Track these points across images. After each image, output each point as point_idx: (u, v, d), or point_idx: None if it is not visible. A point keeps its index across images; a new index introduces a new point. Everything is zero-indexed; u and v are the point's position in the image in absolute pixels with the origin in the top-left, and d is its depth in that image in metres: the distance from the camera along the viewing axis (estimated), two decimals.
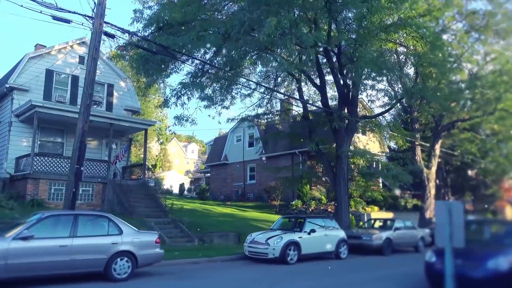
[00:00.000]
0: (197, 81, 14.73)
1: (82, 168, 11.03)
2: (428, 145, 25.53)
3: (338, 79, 18.73)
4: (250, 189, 37.60)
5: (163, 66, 14.61)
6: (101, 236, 8.91)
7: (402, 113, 29.92)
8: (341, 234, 15.15)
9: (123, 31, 12.08)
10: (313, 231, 13.84)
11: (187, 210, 27.31)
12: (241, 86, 22.48)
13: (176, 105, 15.88)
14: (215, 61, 16.34)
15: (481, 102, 22.89)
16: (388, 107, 19.82)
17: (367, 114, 23.31)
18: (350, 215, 26.45)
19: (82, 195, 19.53)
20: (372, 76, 17.04)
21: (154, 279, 9.97)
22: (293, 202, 29.88)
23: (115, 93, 23.85)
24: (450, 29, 22.91)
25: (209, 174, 46.37)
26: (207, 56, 18.30)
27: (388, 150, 34.23)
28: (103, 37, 11.88)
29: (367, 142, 28.07)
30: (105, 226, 9.10)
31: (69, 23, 11.27)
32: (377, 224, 19.30)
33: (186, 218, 20.38)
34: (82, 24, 11.67)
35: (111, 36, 11.97)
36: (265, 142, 34.32)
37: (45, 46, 22.69)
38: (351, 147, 23.89)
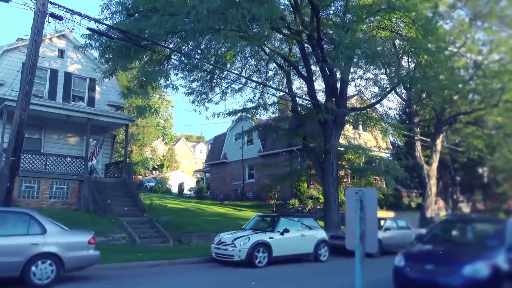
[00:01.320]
0: (161, 68, 13.59)
1: (15, 160, 9.96)
2: (429, 140, 23.97)
3: (324, 68, 17.44)
4: (249, 188, 36.48)
5: (127, 53, 13.55)
6: (18, 236, 7.84)
7: (407, 109, 28.44)
8: (321, 234, 13.87)
9: (72, 12, 11.04)
10: (286, 231, 12.59)
11: (176, 209, 26.35)
12: (225, 78, 21.53)
13: (138, 94, 14.81)
14: (186, 49, 15.19)
15: (483, 93, 21.31)
16: (379, 98, 18.41)
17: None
18: None
19: (56, 193, 18.67)
20: (359, 63, 15.71)
21: (82, 285, 8.87)
22: (290, 201, 28.72)
23: (97, 88, 22.93)
24: (449, 17, 21.45)
25: (209, 174, 45.41)
26: (187, 46, 17.32)
27: (391, 147, 32.78)
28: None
29: (369, 139, 26.69)
30: (25, 224, 8.02)
31: (8, 2, 10.29)
32: None
33: (166, 218, 19.40)
34: (24, 4, 10.66)
35: (59, 18, 10.95)
36: (263, 138, 33.40)
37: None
38: (344, 142, 22.59)
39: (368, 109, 20.03)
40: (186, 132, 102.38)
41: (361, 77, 17.38)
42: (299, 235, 13.07)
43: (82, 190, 18.91)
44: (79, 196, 19.01)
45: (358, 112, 19.67)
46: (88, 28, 11.53)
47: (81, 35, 16.26)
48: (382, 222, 17.19)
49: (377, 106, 21.90)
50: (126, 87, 15.79)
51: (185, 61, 13.16)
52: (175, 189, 47.76)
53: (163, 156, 75.46)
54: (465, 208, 39.70)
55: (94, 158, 18.94)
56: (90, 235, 8.94)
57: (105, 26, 13.13)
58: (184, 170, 78.58)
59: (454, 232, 8.93)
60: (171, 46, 15.04)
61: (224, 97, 22.46)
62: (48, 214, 16.04)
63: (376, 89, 17.92)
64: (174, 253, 13.83)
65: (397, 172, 18.01)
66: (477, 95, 22.22)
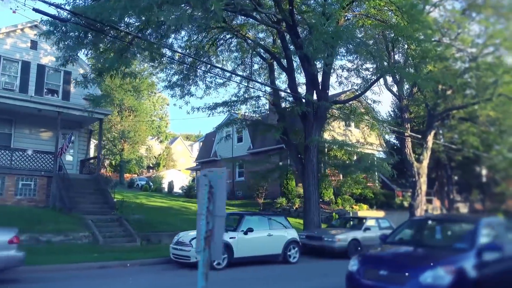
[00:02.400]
0: (122, 55, 12.59)
1: None
2: (419, 136, 22.85)
3: (303, 58, 16.41)
4: (239, 186, 35.54)
5: (85, 39, 12.60)
6: None
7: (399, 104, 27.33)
8: (291, 234, 12.87)
9: None
10: (250, 230, 11.60)
11: (156, 207, 25.54)
12: (208, 72, 20.61)
13: (96, 83, 13.82)
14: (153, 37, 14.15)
15: (476, 87, 20.19)
16: (363, 90, 17.33)
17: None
18: (335, 214, 24.14)
19: (22, 190, 17.77)
20: (338, 51, 14.68)
21: None
22: (277, 200, 27.77)
23: (73, 81, 21.98)
24: (441, 5, 20.37)
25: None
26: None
27: (385, 144, 31.69)
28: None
29: (361, 136, 25.60)
30: None
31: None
32: (349, 223, 16.88)
33: (138, 216, 18.46)
34: None
35: None
36: (252, 135, 32.36)
37: None
38: (328, 138, 21.59)
39: (354, 103, 18.94)
40: (185, 132, 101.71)
41: (342, 68, 16.34)
42: (265, 235, 12.09)
43: (51, 187, 18.01)
44: (48, 193, 18.10)
45: (341, 105, 18.58)
46: (34, 9, 10.57)
47: (40, 21, 15.28)
48: (360, 222, 16.21)
49: (369, 101, 20.94)
50: (82, 75, 14.80)
51: (143, 46, 12.19)
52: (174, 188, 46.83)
53: (159, 154, 74.65)
54: (463, 208, 38.60)
55: (63, 153, 18.00)
56: (12, 233, 7.99)
57: (61, 10, 12.15)
58: (181, 169, 77.77)
59: (421, 233, 7.91)
60: (142, 35, 14.03)
61: (208, 92, 21.62)
62: (7, 212, 15.25)
63: (359, 80, 16.90)
64: (132, 254, 12.91)
65: (382, 169, 16.94)
66: (471, 89, 21.07)
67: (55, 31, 12.38)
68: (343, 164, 19.09)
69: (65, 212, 16.29)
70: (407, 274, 6.02)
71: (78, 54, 13.95)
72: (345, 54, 16.47)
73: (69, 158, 20.76)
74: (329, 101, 17.27)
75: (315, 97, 17.54)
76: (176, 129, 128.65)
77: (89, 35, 12.44)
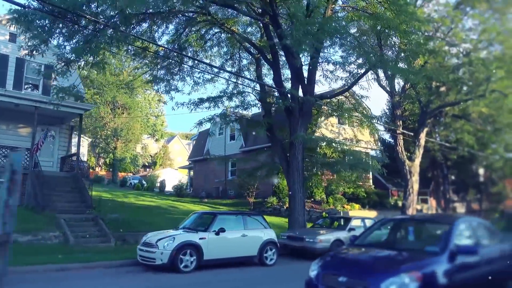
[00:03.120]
0: (91, 46, 11.91)
1: None
2: (412, 134, 22.15)
3: (288, 51, 15.75)
4: (231, 185, 34.88)
5: (52, 28, 11.93)
6: None
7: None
8: (269, 234, 12.19)
9: None
10: (222, 230, 10.93)
11: (142, 206, 24.97)
12: (195, 67, 20.01)
13: (62, 75, 13.14)
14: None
15: (468, 83, 19.52)
16: (349, 84, 16.64)
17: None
18: (325, 213, 23.46)
19: None
20: (320, 40, 13.97)
21: None
22: (268, 199, 27.19)
23: (54, 76, 21.33)
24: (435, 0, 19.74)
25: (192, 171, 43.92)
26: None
27: (379, 142, 31.04)
28: None
29: (355, 134, 24.95)
30: None
31: None
32: (335, 223, 16.19)
33: (117, 215, 17.82)
34: None
35: None
36: (245, 132, 31.69)
37: None
38: (316, 134, 20.94)
39: (341, 99, 18.23)
40: (184, 131, 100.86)
41: (328, 61, 15.68)
42: (239, 236, 11.41)
43: (26, 185, 17.35)
44: (23, 191, 17.43)
45: (328, 101, 17.88)
46: None
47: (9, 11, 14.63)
48: (348, 221, 15.53)
49: (357, 96, 20.25)
50: (46, 65, 14.12)
51: (116, 37, 11.51)
52: (168, 187, 46.26)
53: (155, 153, 74.03)
54: (460, 208, 37.94)
55: (39, 149, 17.36)
56: None
57: None
58: (178, 168, 77.12)
59: (394, 234, 7.24)
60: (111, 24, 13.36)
61: (196, 88, 21.07)
62: None
63: (345, 74, 16.22)
64: (101, 255, 12.25)
65: (369, 166, 16.25)
66: (464, 85, 20.36)
67: (22, 19, 11.73)
68: (328, 162, 18.37)
69: (37, 211, 15.65)
70: (367, 281, 5.36)
71: (49, 45, 13.27)
72: (331, 45, 15.74)
73: (46, 155, 20.12)
74: (314, 96, 16.58)
75: (301, 92, 16.93)
76: (174, 127, 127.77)
77: (56, 24, 11.78)
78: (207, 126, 22.42)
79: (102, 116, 45.35)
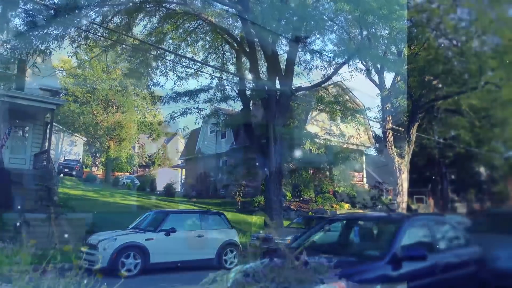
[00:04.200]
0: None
1: None
2: (402, 129, 21.06)
3: (263, 40, 14.78)
4: (221, 184, 33.96)
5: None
6: None
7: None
8: (229, 235, 11.22)
9: None
10: (173, 230, 9.95)
11: (120, 205, 24.17)
12: (177, 62, 19.30)
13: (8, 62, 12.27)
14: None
15: (459, 75, 18.40)
16: (329, 75, 15.60)
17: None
18: (311, 213, 22.46)
19: None
20: (297, 29, 13.02)
21: None
22: (256, 198, 26.26)
23: (29, 70, 20.49)
24: None
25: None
26: None
27: (374, 140, 29.97)
28: None
29: (351, 132, 23.91)
30: None
31: None
32: (313, 223, 15.13)
33: (85, 214, 16.89)
34: None
35: None
36: (235, 131, 30.80)
37: None
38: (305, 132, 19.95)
39: (321, 91, 17.20)
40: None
41: (305, 50, 14.67)
42: (194, 236, 10.44)
43: None
44: None
45: (307, 93, 16.87)
46: None
47: None
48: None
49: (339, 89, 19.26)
50: None
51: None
52: (160, 187, 45.54)
53: (154, 153, 73.43)
54: (461, 208, 36.71)
55: (3, 145, 16.53)
56: None
57: None
58: (172, 168, 76.25)
59: (339, 236, 6.22)
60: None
61: (179, 83, 20.33)
62: None
63: (324, 64, 15.23)
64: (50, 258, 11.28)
65: (349, 163, 15.23)
66: (456, 77, 19.20)
67: None
68: (304, 158, 17.34)
69: None
70: None
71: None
72: (311, 32, 14.71)
73: (18, 152, 19.32)
74: (294, 88, 15.57)
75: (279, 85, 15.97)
76: (175, 127, 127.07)
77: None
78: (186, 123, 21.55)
79: (96, 114, 44.64)
